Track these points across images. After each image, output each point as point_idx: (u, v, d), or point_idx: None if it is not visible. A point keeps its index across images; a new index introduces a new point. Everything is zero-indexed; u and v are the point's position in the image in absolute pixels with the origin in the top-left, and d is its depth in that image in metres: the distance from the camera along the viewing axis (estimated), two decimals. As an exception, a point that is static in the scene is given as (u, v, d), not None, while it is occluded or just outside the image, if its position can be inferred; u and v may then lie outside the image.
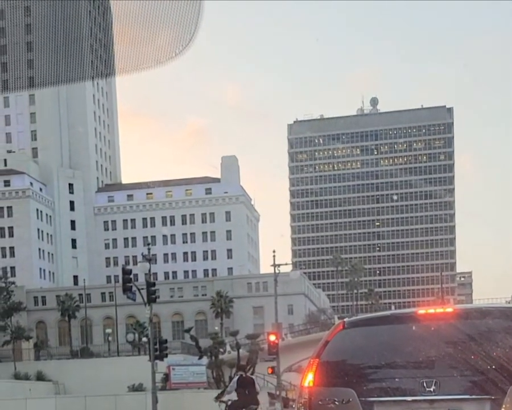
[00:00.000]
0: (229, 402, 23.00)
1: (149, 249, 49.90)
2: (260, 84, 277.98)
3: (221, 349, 58.78)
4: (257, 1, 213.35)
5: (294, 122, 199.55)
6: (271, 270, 66.61)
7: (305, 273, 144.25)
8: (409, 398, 6.05)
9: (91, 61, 1.96)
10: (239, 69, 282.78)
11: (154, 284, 47.03)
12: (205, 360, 55.66)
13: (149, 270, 48.05)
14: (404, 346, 6.25)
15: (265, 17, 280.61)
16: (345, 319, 6.82)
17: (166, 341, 48.56)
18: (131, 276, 44.33)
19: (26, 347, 66.92)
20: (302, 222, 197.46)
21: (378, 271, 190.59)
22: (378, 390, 6.18)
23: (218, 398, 26.36)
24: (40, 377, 54.84)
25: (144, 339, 63.66)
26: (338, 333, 6.58)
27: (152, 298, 46.56)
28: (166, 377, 49.02)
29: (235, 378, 23.18)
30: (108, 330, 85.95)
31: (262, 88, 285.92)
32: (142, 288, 47.18)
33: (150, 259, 49.19)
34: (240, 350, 59.38)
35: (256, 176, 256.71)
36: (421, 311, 6.53)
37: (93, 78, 1.89)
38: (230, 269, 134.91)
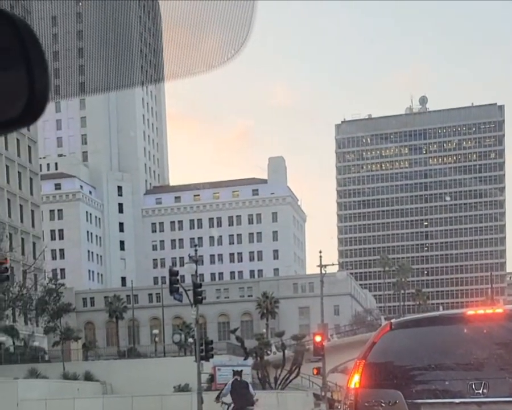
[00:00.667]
0: (231, 406, 25.03)
1: (196, 250, 50.04)
2: (308, 84, 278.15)
3: (267, 350, 58.66)
4: (305, 1, 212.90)
5: (342, 122, 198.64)
6: (317, 270, 66.36)
7: (351, 273, 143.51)
8: (457, 401, 5.90)
9: (142, 66, 1.89)
10: (287, 70, 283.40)
11: (200, 285, 47.13)
12: (250, 360, 55.62)
13: (196, 271, 48.14)
14: (452, 347, 6.10)
15: (312, 17, 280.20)
16: (392, 320, 6.70)
17: (212, 342, 48.62)
18: (178, 277, 44.56)
19: (75, 347, 67.74)
20: (349, 222, 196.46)
21: (425, 272, 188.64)
22: (426, 392, 6.05)
23: (218, 399, 27.37)
24: (88, 377, 55.35)
25: (190, 340, 63.81)
26: (385, 334, 6.47)
27: (198, 299, 46.66)
28: (212, 378, 49.01)
29: (230, 382, 25.15)
30: (155, 331, 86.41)
31: (310, 88, 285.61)
32: (189, 290, 47.36)
33: (197, 260, 49.31)
34: (286, 351, 59.30)
35: (303, 176, 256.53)
36: (471, 312, 6.37)
37: (142, 84, 1.83)
38: (276, 270, 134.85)
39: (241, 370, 26.80)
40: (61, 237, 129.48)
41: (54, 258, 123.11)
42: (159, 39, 1.94)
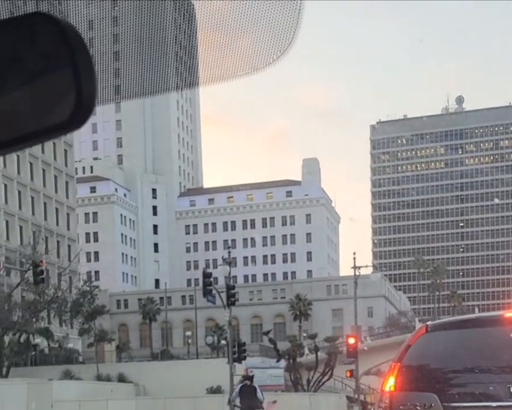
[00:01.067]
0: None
1: (229, 252, 50.12)
2: (343, 85, 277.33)
3: (299, 352, 58.48)
4: (342, 1, 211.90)
5: (377, 122, 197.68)
6: (351, 272, 66.08)
7: (385, 275, 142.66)
8: (494, 404, 5.75)
9: (176, 68, 1.83)
10: (322, 71, 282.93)
11: (234, 287, 47.17)
12: (283, 362, 55.47)
13: (229, 273, 48.25)
14: (489, 350, 5.95)
15: (347, 19, 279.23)
16: (428, 323, 6.58)
17: (244, 344, 48.64)
18: (211, 279, 44.65)
19: (108, 349, 68.13)
20: (383, 223, 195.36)
21: (461, 273, 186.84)
22: (462, 395, 5.92)
23: (229, 402, 29.97)
24: (121, 378, 55.54)
25: (223, 342, 63.88)
26: (421, 337, 6.35)
27: (231, 301, 46.69)
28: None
29: (239, 386, 27.68)
30: (188, 333, 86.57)
31: (345, 89, 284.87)
32: (222, 292, 47.40)
33: (230, 262, 49.43)
34: (319, 353, 59.04)
35: (337, 178, 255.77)
36: (508, 314, 6.22)
37: (177, 88, 1.77)
38: (309, 272, 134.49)
39: (252, 375, 29.06)
40: (96, 240, 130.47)
41: (89, 260, 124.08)
42: (194, 42, 1.87)
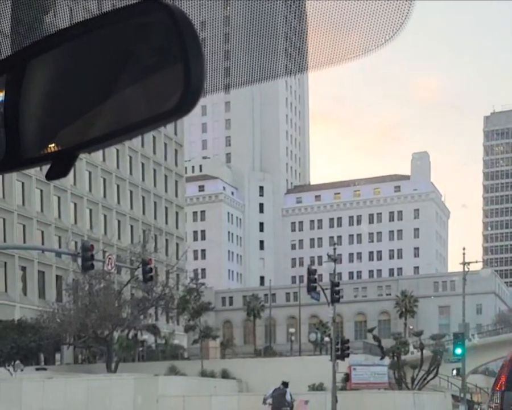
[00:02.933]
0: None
1: (334, 249, 49.97)
2: (454, 77, 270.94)
3: (404, 350, 57.62)
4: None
5: (492, 113, 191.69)
6: (459, 268, 64.46)
7: (496, 270, 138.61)
8: None
9: (286, 52, 1.94)
10: (432, 63, 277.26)
11: (338, 284, 46.95)
12: (387, 360, 54.87)
13: (334, 270, 48.13)
14: None
15: (458, 6, 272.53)
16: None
17: (348, 341, 48.33)
18: (316, 276, 44.66)
19: (213, 345, 69.12)
20: (496, 217, 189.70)
21: None
22: None
23: (264, 402, 33.98)
24: (225, 375, 56.23)
25: (326, 339, 63.66)
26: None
27: (335, 298, 46.49)
28: (347, 377, 48.71)
29: (272, 389, 33.39)
30: (292, 330, 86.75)
31: (457, 81, 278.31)
32: (326, 288, 47.35)
33: (335, 259, 49.24)
34: (424, 351, 58.04)
35: (447, 171, 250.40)
36: None
37: (286, 74, 1.87)
38: (416, 268, 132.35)
39: (287, 382, 33.46)
40: (203, 238, 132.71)
41: (196, 258, 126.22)
42: (304, 24, 1.95)
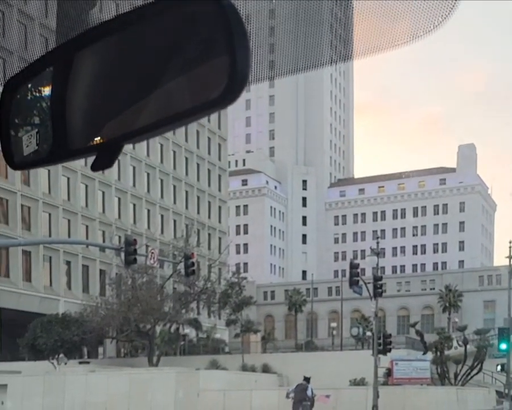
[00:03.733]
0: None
1: (377, 243, 49.69)
2: (502, 66, 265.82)
3: (447, 345, 56.95)
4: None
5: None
6: (505, 262, 63.32)
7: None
8: None
9: (330, 40, 1.90)
10: (479, 52, 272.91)
11: (381, 278, 46.56)
12: (429, 355, 54.28)
13: (377, 264, 47.83)
14: None
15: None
16: None
17: (390, 335, 47.93)
18: (358, 270, 44.37)
19: (254, 339, 69.18)
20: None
21: None
22: None
23: (287, 396, 35.30)
24: (266, 369, 56.20)
25: (368, 334, 63.31)
26: None
27: (378, 292, 46.10)
28: (389, 372, 48.25)
29: (295, 384, 35.18)
30: (333, 324, 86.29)
31: (504, 71, 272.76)
32: (368, 282, 47.02)
33: (378, 253, 48.92)
34: (468, 346, 57.34)
35: (494, 163, 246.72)
36: None
37: (331, 62, 1.83)
38: (461, 262, 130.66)
39: (309, 377, 35.02)
40: (246, 232, 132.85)
41: (238, 252, 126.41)
42: (350, 12, 1.90)
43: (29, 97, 1.66)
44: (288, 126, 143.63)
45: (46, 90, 1.61)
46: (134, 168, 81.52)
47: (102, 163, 1.56)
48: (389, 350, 45.49)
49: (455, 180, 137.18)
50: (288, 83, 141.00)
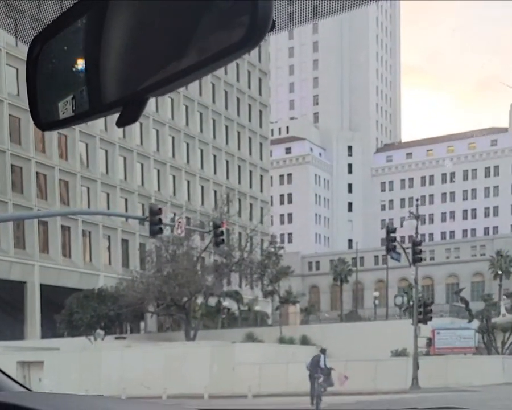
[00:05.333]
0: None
1: (417, 206, 48.24)
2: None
3: (495, 312, 54.79)
4: None
5: None
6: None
7: None
8: None
9: None
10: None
11: (420, 243, 44.85)
12: (475, 323, 52.17)
13: (417, 228, 46.10)
14: None
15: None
16: None
17: (431, 303, 46.24)
18: (395, 235, 42.63)
19: (292, 311, 67.62)
20: None
21: None
22: None
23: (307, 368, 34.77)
24: (304, 341, 54.69)
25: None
26: None
27: (417, 258, 44.44)
28: (430, 342, 46.26)
29: (312, 358, 35.13)
30: (375, 293, 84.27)
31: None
32: (407, 248, 45.35)
33: (418, 216, 47.33)
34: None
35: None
36: None
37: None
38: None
39: (325, 349, 35.48)
40: (290, 202, 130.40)
41: (282, 223, 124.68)
42: None
43: (59, 55, 1.57)
44: (333, 91, 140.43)
45: (78, 45, 1.51)
46: (173, 138, 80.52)
47: (128, 118, 1.48)
48: (430, 318, 43.68)
49: (508, 140, 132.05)
50: (332, 45, 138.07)
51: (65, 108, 1.52)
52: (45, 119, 1.56)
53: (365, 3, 1.47)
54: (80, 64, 1.49)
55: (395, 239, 41.96)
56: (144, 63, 1.40)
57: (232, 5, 1.27)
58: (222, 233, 34.59)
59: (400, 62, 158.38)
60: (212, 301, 64.39)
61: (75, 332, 55.49)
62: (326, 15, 1.49)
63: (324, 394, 33.07)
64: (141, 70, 1.41)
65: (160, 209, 31.59)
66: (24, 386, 2.07)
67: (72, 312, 55.48)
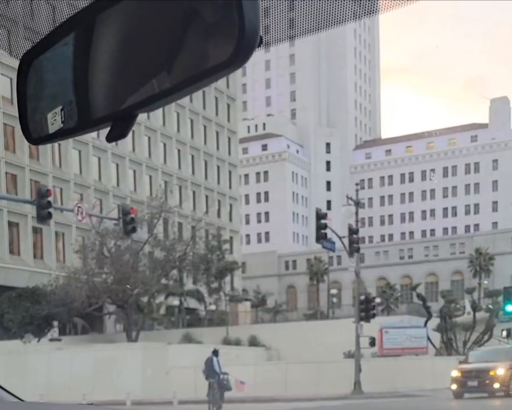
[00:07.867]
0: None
1: (357, 190, 44.43)
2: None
3: (455, 311, 50.98)
4: None
5: None
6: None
7: None
8: None
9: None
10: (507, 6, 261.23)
11: (357, 231, 41.07)
12: (434, 322, 48.25)
13: (357, 215, 42.46)
14: None
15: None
16: None
17: (373, 299, 42.32)
18: (327, 221, 38.81)
19: (242, 309, 63.49)
20: None
21: None
22: None
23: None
24: (253, 342, 50.74)
25: (377, 300, 57.40)
26: None
27: (354, 248, 40.81)
28: (373, 342, 42.02)
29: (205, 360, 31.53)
30: (333, 291, 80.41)
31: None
32: (343, 237, 41.60)
33: (358, 202, 43.61)
34: (483, 312, 51.34)
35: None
36: None
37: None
38: (494, 224, 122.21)
39: (217, 350, 31.59)
40: (266, 200, 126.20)
41: (259, 221, 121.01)
42: None
43: (49, 70, 1.58)
44: (310, 86, 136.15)
45: (67, 61, 1.53)
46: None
47: (117, 134, 1.50)
48: (373, 316, 39.67)
49: (488, 136, 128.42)
50: (308, 41, 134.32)
51: (54, 120, 1.51)
52: (35, 133, 1.56)
53: (343, 22, 1.50)
54: (69, 80, 1.49)
55: (325, 226, 38.14)
56: (132, 80, 1.40)
57: (219, 22, 1.26)
58: (132, 220, 30.70)
59: (379, 57, 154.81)
60: (173, 301, 60.82)
61: (6, 334, 51.51)
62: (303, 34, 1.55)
63: (230, 401, 29.27)
64: (129, 87, 1.41)
65: (48, 190, 27.74)
66: (16, 397, 2.02)
67: (3, 312, 51.55)
